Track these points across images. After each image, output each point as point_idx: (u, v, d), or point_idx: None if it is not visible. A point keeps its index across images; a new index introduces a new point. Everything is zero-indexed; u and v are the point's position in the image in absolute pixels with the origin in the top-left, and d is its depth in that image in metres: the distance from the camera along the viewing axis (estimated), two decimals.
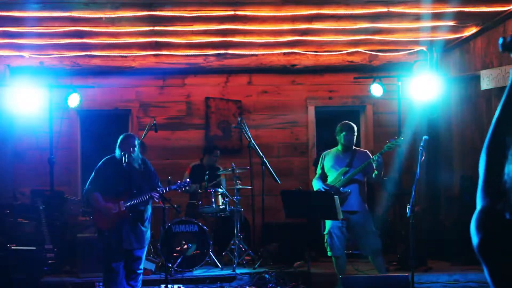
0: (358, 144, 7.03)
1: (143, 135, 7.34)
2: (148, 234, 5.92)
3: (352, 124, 6.48)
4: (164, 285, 6.07)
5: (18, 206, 7.83)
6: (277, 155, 8.97)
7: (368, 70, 8.62)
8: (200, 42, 7.93)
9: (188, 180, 6.27)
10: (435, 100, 7.93)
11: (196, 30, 7.40)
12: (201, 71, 8.74)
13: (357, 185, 6.38)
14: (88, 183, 5.85)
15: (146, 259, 6.98)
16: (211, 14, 6.81)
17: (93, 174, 5.87)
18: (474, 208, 1.64)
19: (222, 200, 7.44)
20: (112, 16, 6.79)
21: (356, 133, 6.45)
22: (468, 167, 7.84)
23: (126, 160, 5.62)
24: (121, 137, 5.85)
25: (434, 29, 7.57)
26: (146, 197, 5.77)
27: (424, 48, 8.54)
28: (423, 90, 7.71)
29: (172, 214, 7.45)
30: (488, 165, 1.61)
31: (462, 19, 7.26)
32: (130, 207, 5.71)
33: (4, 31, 7.22)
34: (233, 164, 7.51)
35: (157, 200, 6.00)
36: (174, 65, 8.53)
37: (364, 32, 7.72)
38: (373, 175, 6.31)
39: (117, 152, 5.77)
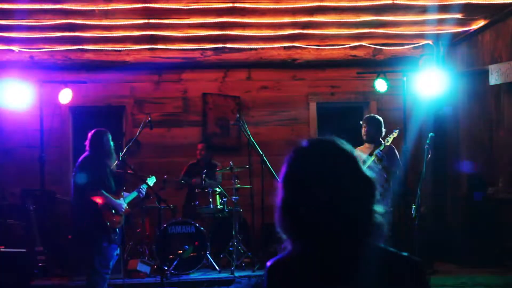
0: (360, 141, 6.84)
1: (138, 132, 7.19)
2: None
3: (369, 116, 6.85)
4: None
5: (7, 207, 7.77)
6: (277, 153, 8.74)
7: (372, 65, 8.55)
8: (197, 36, 7.88)
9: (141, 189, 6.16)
10: (441, 96, 7.85)
11: (193, 23, 7.36)
12: (198, 65, 8.65)
13: None
14: (89, 182, 5.49)
15: (141, 261, 6.89)
16: (208, 6, 6.78)
17: (94, 172, 5.56)
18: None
19: (220, 200, 7.41)
20: (105, 8, 6.77)
21: (369, 126, 6.53)
22: (476, 165, 7.77)
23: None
24: (107, 134, 5.76)
25: (440, 22, 7.53)
26: (135, 193, 5.89)
27: (430, 42, 8.51)
28: (429, 85, 7.63)
29: (168, 215, 7.37)
30: None
31: (470, 12, 7.21)
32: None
33: None
34: (231, 162, 7.44)
35: (141, 196, 6.05)
36: (170, 59, 8.46)
37: (368, 25, 7.68)
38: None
39: (101, 150, 5.65)
